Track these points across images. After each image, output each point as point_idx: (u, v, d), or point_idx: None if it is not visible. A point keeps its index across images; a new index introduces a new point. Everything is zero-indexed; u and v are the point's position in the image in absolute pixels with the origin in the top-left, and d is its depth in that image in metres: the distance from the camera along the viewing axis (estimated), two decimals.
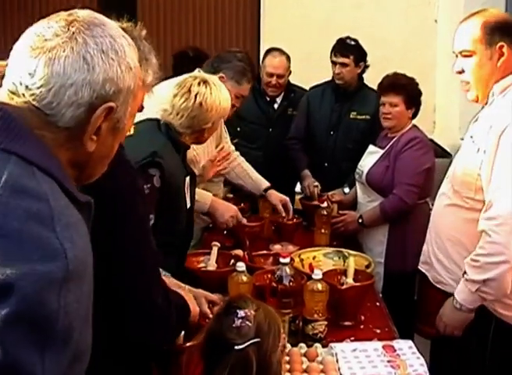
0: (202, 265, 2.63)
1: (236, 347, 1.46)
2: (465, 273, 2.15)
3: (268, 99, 4.10)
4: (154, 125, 2.33)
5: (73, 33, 1.01)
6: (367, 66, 3.85)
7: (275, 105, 4.16)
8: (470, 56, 2.23)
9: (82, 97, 1.01)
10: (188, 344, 1.83)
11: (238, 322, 1.51)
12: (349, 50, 3.77)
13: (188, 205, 2.41)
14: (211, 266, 2.57)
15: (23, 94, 1.00)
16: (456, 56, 2.29)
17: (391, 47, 5.08)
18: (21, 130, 0.99)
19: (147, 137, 2.25)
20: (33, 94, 1.00)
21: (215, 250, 2.61)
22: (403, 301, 2.92)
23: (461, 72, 2.27)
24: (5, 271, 0.86)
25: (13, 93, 1.01)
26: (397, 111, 3.24)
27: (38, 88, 0.99)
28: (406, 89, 3.23)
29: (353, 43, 3.79)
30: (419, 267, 2.56)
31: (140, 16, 6.20)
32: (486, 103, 2.27)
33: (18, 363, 0.87)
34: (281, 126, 4.12)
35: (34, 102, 1.00)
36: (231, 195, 3.57)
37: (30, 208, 0.92)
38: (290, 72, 4.08)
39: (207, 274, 2.51)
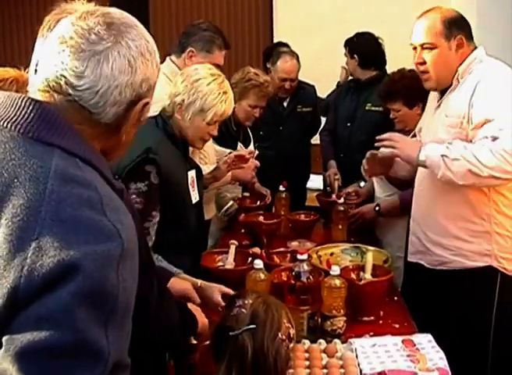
0: (220, 264, 2.64)
1: (230, 333, 1.50)
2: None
3: (277, 98, 4.10)
4: (152, 122, 2.31)
5: (116, 36, 1.07)
6: (364, 59, 3.93)
7: (285, 104, 4.18)
8: (431, 49, 2.43)
9: (125, 96, 1.09)
10: (203, 344, 1.84)
11: (235, 310, 1.56)
12: (346, 43, 4.06)
13: (195, 200, 2.40)
14: (229, 264, 2.58)
15: (69, 94, 1.06)
16: (414, 48, 2.48)
17: (404, 41, 5.03)
18: (61, 125, 1.04)
19: (143, 134, 2.25)
20: (80, 95, 1.06)
21: (232, 248, 2.62)
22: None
23: (423, 63, 2.46)
24: (69, 253, 0.92)
25: (55, 90, 1.06)
26: (402, 114, 3.26)
27: (87, 89, 1.06)
28: (401, 93, 3.20)
29: (352, 37, 4.02)
30: (409, 259, 2.69)
31: (153, 13, 6.23)
32: (448, 87, 2.47)
33: (88, 339, 0.92)
34: (291, 124, 4.14)
35: (81, 102, 1.06)
36: (247, 194, 3.58)
37: (81, 195, 0.98)
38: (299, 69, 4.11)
39: (225, 273, 2.51)
